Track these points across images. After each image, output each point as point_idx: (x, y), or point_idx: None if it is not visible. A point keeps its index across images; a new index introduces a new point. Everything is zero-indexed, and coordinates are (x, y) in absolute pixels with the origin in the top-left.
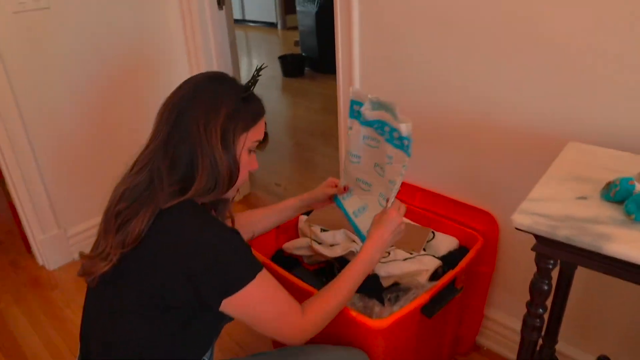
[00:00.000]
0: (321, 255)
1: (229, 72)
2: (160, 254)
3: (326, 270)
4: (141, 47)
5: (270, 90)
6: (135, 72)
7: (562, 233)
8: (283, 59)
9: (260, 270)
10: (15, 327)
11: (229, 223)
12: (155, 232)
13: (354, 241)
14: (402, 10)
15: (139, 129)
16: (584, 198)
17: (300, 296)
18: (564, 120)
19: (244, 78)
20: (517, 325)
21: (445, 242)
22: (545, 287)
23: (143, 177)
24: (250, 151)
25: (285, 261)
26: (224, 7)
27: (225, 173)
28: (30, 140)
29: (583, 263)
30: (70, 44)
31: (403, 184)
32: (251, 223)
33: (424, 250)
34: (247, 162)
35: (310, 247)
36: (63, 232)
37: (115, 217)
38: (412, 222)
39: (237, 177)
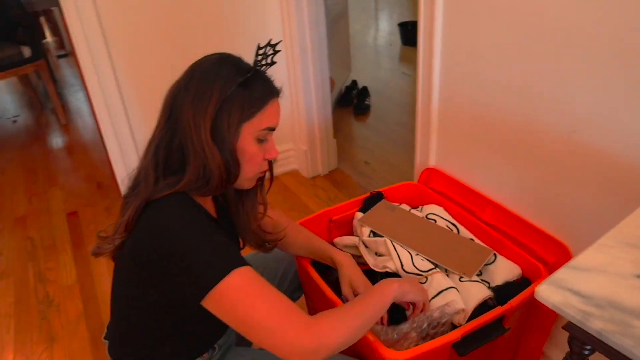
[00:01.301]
0: (365, 260)
1: (321, 44)
2: (137, 246)
3: (369, 276)
4: (234, 9)
5: (385, 58)
6: (225, 31)
7: (595, 325)
8: (403, 26)
9: (237, 266)
10: (95, 270)
11: (260, 209)
12: (140, 223)
13: (391, 259)
14: (487, 2)
15: None
16: None
17: (326, 306)
18: None
19: (360, 45)
20: None
21: (505, 270)
22: None
23: (142, 165)
24: (260, 140)
25: None
26: None
27: (215, 169)
28: (121, 92)
29: None
30: (166, 11)
31: (474, 193)
32: (292, 238)
33: (479, 273)
34: (256, 153)
35: (357, 248)
36: None
37: (125, 198)
38: (475, 239)
39: (237, 171)
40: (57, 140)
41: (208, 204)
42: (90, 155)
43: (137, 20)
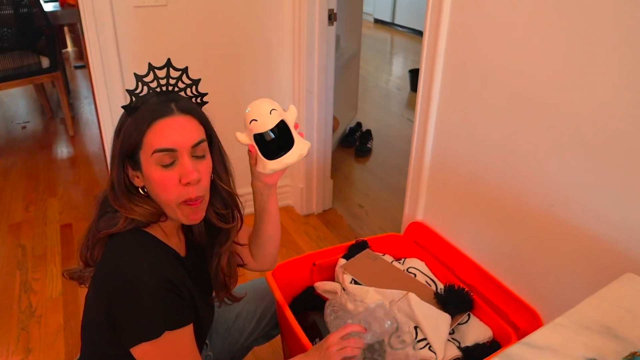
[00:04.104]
0: (345, 306)
1: (328, 89)
2: (95, 281)
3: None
4: (249, 49)
5: (393, 102)
6: (239, 70)
7: None
8: (413, 73)
9: (167, 329)
10: (80, 286)
11: (227, 244)
12: (101, 258)
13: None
14: (483, 74)
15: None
16: None
17: (298, 347)
18: None
19: (369, 87)
20: None
21: (477, 331)
22: None
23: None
24: (164, 165)
25: (312, 300)
26: (335, 23)
27: (138, 213)
28: None
29: None
30: (181, 39)
31: (456, 251)
32: (253, 243)
33: (452, 332)
34: (162, 179)
35: (337, 294)
36: None
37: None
38: None
39: (156, 205)
40: (62, 151)
41: (174, 239)
42: (92, 169)
43: (152, 43)
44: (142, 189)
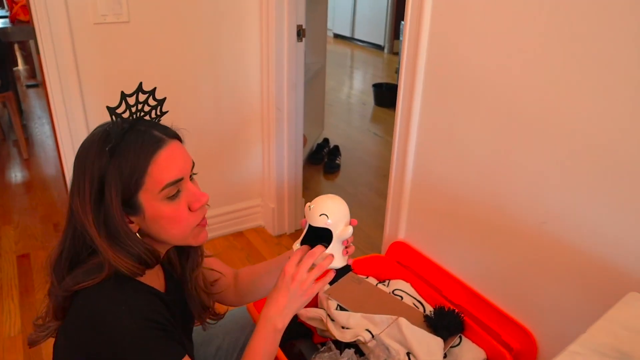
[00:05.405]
0: (331, 334)
1: (298, 105)
2: (71, 335)
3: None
4: (215, 67)
5: (358, 117)
6: (205, 88)
7: None
8: (377, 87)
9: None
10: None
11: (199, 260)
12: (72, 311)
13: (367, 330)
14: (466, 88)
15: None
16: None
17: None
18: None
19: (333, 102)
20: None
21: (470, 353)
22: None
23: (57, 256)
24: (171, 197)
25: (296, 328)
26: (303, 39)
27: (121, 265)
28: (89, 128)
29: None
30: (145, 57)
31: (442, 270)
32: (252, 282)
33: (444, 356)
34: (174, 212)
35: (322, 321)
36: None
37: (51, 280)
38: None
39: (153, 253)
40: (16, 175)
41: (153, 277)
42: (49, 194)
43: (114, 60)
44: (138, 232)
